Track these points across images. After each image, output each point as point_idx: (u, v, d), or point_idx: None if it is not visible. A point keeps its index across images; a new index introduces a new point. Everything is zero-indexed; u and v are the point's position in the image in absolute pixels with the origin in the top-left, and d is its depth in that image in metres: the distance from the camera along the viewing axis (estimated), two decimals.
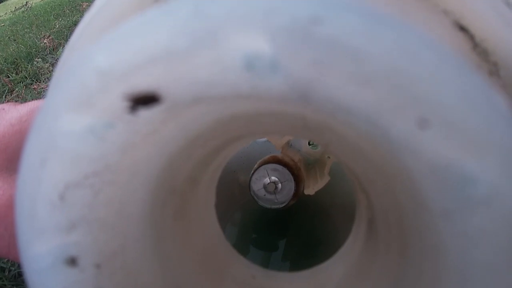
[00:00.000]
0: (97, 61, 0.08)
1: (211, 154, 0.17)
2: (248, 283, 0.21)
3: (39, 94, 1.18)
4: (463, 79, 0.07)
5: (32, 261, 0.10)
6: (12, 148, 0.16)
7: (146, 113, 0.09)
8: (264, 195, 0.29)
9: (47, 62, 1.42)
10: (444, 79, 0.07)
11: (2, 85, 1.32)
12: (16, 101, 1.14)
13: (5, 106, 0.18)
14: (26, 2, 3.26)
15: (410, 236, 0.11)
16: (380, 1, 0.10)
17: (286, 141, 0.30)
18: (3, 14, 3.26)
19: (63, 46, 1.54)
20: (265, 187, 0.29)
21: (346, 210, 0.29)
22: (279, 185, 0.28)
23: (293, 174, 0.28)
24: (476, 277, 0.08)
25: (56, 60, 1.42)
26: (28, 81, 1.32)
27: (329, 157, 0.31)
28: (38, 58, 1.48)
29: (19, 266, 0.57)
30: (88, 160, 0.09)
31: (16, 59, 1.50)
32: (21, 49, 1.60)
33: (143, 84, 0.08)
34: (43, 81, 1.29)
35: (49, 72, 1.33)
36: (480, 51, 0.10)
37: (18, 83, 1.33)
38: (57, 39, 1.65)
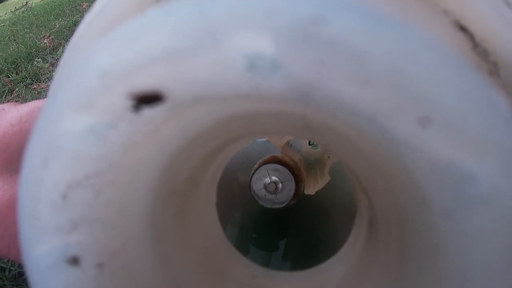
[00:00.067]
0: (99, 61, 0.08)
1: (212, 154, 0.17)
2: (248, 283, 0.21)
3: (39, 94, 1.18)
4: (463, 79, 0.07)
5: (33, 261, 0.10)
6: (12, 148, 0.16)
7: (149, 112, 0.09)
8: (265, 195, 0.29)
9: (47, 62, 1.42)
10: (444, 79, 0.07)
11: (2, 85, 1.32)
12: (16, 101, 1.14)
13: (5, 106, 0.18)
14: (26, 2, 3.26)
15: (411, 236, 0.11)
16: (380, 1, 0.10)
17: (286, 141, 0.30)
18: (3, 14, 3.26)
19: (63, 46, 1.54)
20: (265, 187, 0.29)
21: (346, 210, 0.29)
22: (280, 185, 0.28)
23: (293, 174, 0.28)
24: (476, 276, 0.08)
25: (56, 60, 1.42)
26: (28, 81, 1.32)
27: (329, 157, 0.31)
28: (38, 58, 1.48)
29: (19, 266, 0.57)
30: (90, 160, 0.09)
31: (16, 59, 1.50)
32: (21, 49, 1.60)
33: (146, 83, 0.08)
34: (43, 81, 1.29)
35: (49, 72, 1.33)
36: (480, 51, 0.10)
37: (18, 83, 1.33)
38: (57, 39, 1.65)
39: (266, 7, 0.07)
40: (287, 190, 0.29)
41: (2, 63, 1.50)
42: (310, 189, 0.30)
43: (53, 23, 1.98)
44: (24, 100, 1.17)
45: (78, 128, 0.09)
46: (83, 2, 2.28)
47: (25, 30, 2.02)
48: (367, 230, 0.18)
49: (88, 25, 0.13)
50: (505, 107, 0.07)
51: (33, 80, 1.32)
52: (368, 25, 0.07)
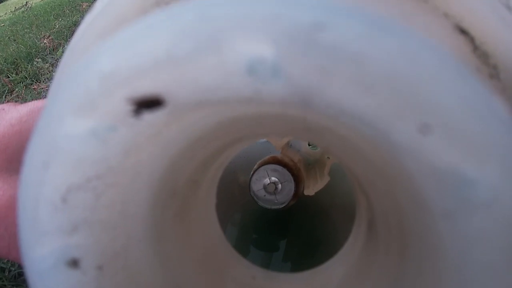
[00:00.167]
0: (100, 64, 0.08)
1: (213, 155, 0.17)
2: (248, 283, 0.21)
3: (39, 94, 1.18)
4: (464, 85, 0.07)
5: (34, 262, 0.10)
6: (12, 149, 0.16)
7: (149, 117, 0.09)
8: (264, 195, 0.29)
9: (47, 62, 1.42)
10: (444, 84, 0.07)
11: (2, 85, 1.32)
12: (16, 101, 1.14)
13: (5, 106, 0.18)
14: (26, 2, 3.26)
15: (410, 237, 0.11)
16: (381, 5, 0.10)
17: (286, 141, 0.30)
18: (3, 14, 3.25)
19: (63, 46, 1.54)
20: (265, 187, 0.29)
21: (346, 211, 0.29)
22: (279, 186, 0.29)
23: (293, 174, 0.28)
24: (475, 277, 0.08)
25: (56, 60, 1.42)
26: (28, 81, 1.32)
27: (329, 157, 0.31)
28: (38, 58, 1.47)
29: (19, 266, 0.57)
30: (91, 163, 0.09)
31: (16, 59, 1.50)
32: (21, 49, 1.60)
33: (146, 87, 0.08)
34: (43, 81, 1.29)
35: (49, 72, 1.33)
36: (480, 53, 0.10)
37: (18, 83, 1.32)
38: (57, 39, 1.65)
39: (267, 13, 0.07)
40: (286, 191, 0.29)
41: (2, 63, 1.50)
42: (310, 190, 0.30)
43: (53, 23, 1.98)
44: (24, 100, 1.17)
45: (79, 131, 0.09)
46: (83, 2, 2.28)
47: (25, 30, 2.02)
48: (367, 230, 0.18)
49: (89, 25, 0.13)
50: (505, 112, 0.07)
51: (33, 80, 1.32)
52: (368, 30, 0.07)
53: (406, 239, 0.11)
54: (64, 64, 0.13)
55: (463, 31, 0.10)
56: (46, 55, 1.50)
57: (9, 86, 1.30)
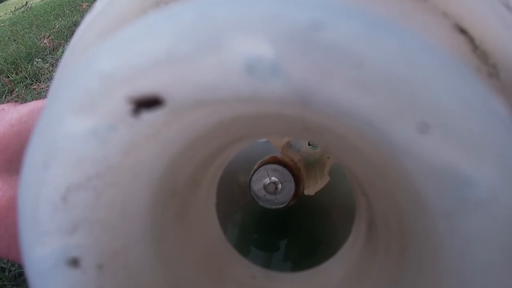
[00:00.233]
0: (100, 64, 0.08)
1: (212, 155, 0.17)
2: (248, 283, 0.21)
3: (39, 94, 1.18)
4: (463, 84, 0.07)
5: (34, 262, 0.10)
6: (12, 149, 0.16)
7: (149, 116, 0.09)
8: (264, 195, 0.29)
9: (47, 62, 1.42)
10: (443, 83, 0.07)
11: (2, 85, 1.32)
12: (16, 101, 1.14)
13: (5, 106, 0.18)
14: (26, 2, 3.26)
15: (410, 237, 0.11)
16: (380, 4, 0.10)
17: (286, 141, 0.30)
18: (3, 14, 3.25)
19: (63, 46, 1.54)
20: (265, 187, 0.29)
21: (346, 211, 0.29)
22: (279, 186, 0.29)
23: (293, 174, 0.28)
24: (475, 277, 0.08)
25: (56, 60, 1.42)
26: (28, 81, 1.32)
27: (329, 157, 0.31)
28: (38, 58, 1.47)
29: (19, 266, 0.57)
30: (91, 162, 0.09)
31: (16, 59, 1.50)
32: (21, 49, 1.60)
33: (146, 87, 0.08)
34: (43, 81, 1.29)
35: (49, 72, 1.33)
36: (479, 53, 0.10)
37: (18, 83, 1.32)
38: (57, 39, 1.65)
39: (266, 12, 0.07)
40: (286, 191, 0.29)
41: (2, 63, 1.50)
42: (310, 190, 0.30)
43: (53, 23, 1.98)
44: (24, 100, 1.17)
45: (79, 130, 0.09)
46: (83, 2, 2.28)
47: (25, 30, 2.02)
48: (366, 230, 0.18)
49: (89, 25, 0.13)
50: (504, 111, 0.07)
51: (33, 80, 1.32)
52: (367, 29, 0.07)
53: (406, 239, 0.11)
54: (64, 64, 0.13)
55: (462, 31, 0.10)
56: (46, 55, 1.50)
57: (9, 86, 1.30)
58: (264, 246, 0.32)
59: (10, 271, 0.58)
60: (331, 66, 0.07)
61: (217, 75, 0.08)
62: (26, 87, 1.28)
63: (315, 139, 0.15)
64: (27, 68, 1.40)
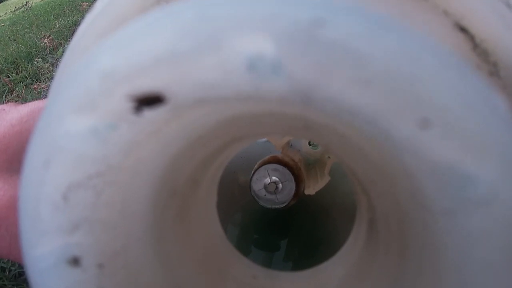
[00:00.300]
0: (100, 63, 0.08)
1: (213, 154, 0.17)
2: (248, 283, 0.21)
3: (39, 94, 1.19)
4: (463, 81, 0.07)
5: (34, 261, 0.10)
6: (13, 149, 0.16)
7: (150, 114, 0.09)
8: (265, 195, 0.29)
9: (47, 62, 1.42)
10: (444, 81, 0.07)
11: (2, 85, 1.32)
12: (16, 101, 1.14)
13: (6, 106, 0.18)
14: (26, 2, 3.26)
15: (410, 236, 0.11)
16: (381, 3, 0.10)
17: (286, 141, 0.30)
18: (3, 14, 3.26)
19: (63, 46, 1.54)
20: (265, 187, 0.29)
21: (346, 210, 0.29)
22: (280, 185, 0.29)
23: (293, 174, 0.28)
24: (475, 276, 0.08)
25: (56, 60, 1.42)
26: (28, 81, 1.32)
27: (329, 157, 0.31)
28: (38, 58, 1.48)
29: (19, 266, 0.57)
30: (91, 161, 0.09)
31: (16, 59, 1.50)
32: (21, 49, 1.60)
33: (147, 85, 0.08)
34: (43, 81, 1.29)
35: (49, 72, 1.34)
36: (480, 51, 0.10)
37: (18, 83, 1.33)
38: (57, 39, 1.65)
39: (267, 9, 0.07)
40: (287, 190, 0.29)
41: (2, 63, 1.50)
42: (310, 189, 0.30)
43: (53, 23, 1.98)
44: (24, 100, 1.17)
45: (80, 129, 0.09)
46: (83, 2, 2.28)
47: (25, 30, 2.02)
48: (367, 230, 0.18)
49: (89, 25, 0.13)
50: (505, 109, 0.07)
51: (33, 80, 1.32)
52: (368, 27, 0.07)
53: (407, 238, 0.11)
54: (65, 64, 0.13)
55: (463, 29, 0.10)
56: (46, 55, 1.50)
57: (9, 86, 1.30)
58: (265, 246, 0.32)
59: (10, 270, 0.58)
60: (332, 64, 0.07)
61: (218, 73, 0.08)
62: (26, 87, 1.28)
63: (316, 138, 0.15)
64: (27, 67, 1.40)
